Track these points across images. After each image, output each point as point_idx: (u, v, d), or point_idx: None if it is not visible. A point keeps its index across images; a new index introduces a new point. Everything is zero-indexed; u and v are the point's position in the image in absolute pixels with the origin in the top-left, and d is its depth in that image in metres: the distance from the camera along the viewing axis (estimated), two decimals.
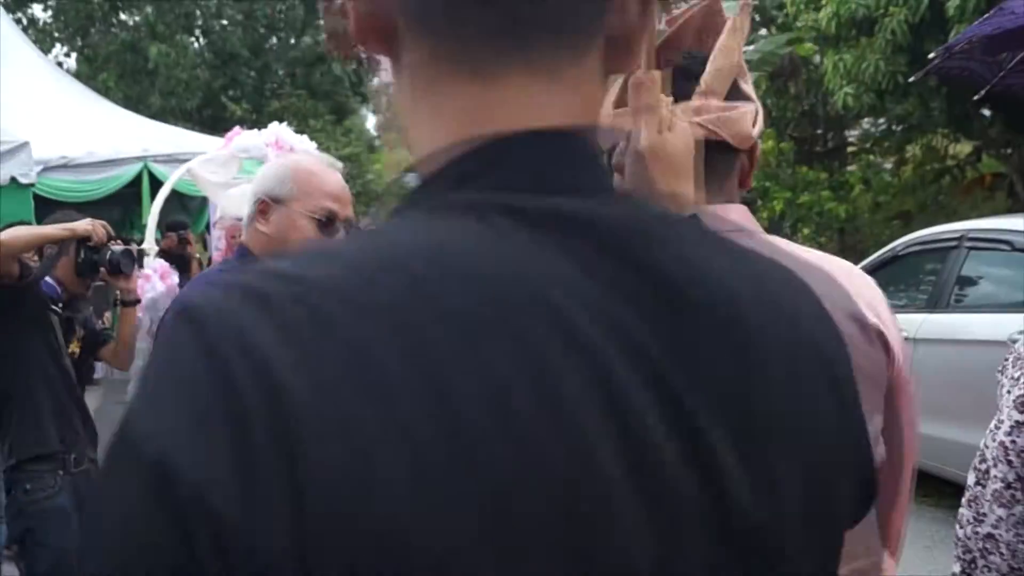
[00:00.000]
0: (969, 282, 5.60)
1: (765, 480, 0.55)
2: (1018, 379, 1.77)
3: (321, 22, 20.89)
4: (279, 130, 9.53)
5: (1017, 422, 1.73)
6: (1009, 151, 11.19)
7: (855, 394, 0.64)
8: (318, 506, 0.43)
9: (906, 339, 5.41)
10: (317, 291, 0.47)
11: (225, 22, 19.46)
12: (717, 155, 1.29)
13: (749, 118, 1.33)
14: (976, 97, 4.03)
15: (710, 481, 0.52)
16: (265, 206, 2.17)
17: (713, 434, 0.53)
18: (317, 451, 0.43)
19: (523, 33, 0.56)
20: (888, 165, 13.04)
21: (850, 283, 1.27)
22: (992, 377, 4.98)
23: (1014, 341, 4.81)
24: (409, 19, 0.57)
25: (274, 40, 21.35)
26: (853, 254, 10.76)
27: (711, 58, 1.31)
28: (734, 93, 1.34)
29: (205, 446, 0.43)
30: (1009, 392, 1.78)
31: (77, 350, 3.51)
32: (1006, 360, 1.82)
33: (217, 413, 0.44)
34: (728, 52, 1.31)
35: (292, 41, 21.35)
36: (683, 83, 1.29)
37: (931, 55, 5.55)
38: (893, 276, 6.46)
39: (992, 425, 1.79)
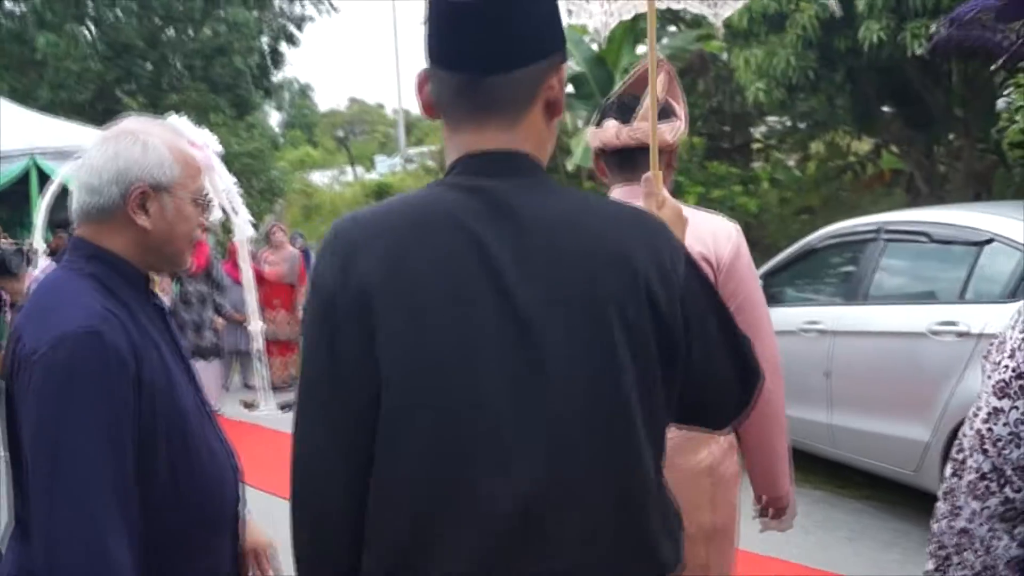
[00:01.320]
0: (886, 274, 5.59)
1: (555, 313, 1.31)
2: (999, 363, 1.65)
3: (222, 13, 20.27)
4: (177, 122, 9.11)
5: (995, 408, 1.61)
6: (908, 148, 11.43)
7: (645, 274, 1.33)
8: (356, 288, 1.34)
9: (823, 332, 5.34)
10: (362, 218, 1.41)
11: (119, 12, 18.69)
12: (646, 154, 2.15)
13: (668, 132, 2.34)
14: (993, 67, 4.11)
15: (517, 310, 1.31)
16: (144, 196, 1.75)
17: (523, 286, 1.30)
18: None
19: (478, 115, 1.39)
20: (792, 162, 13.21)
21: (708, 229, 2.28)
22: (909, 369, 4.96)
23: (935, 333, 4.83)
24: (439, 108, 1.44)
25: (171, 31, 20.68)
26: (759, 248, 10.83)
27: (642, 98, 2.28)
28: (665, 114, 2.35)
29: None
30: (989, 378, 1.66)
31: None
32: (990, 346, 1.70)
33: None
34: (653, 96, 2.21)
35: (190, 32, 20.73)
36: (627, 113, 2.34)
37: (932, 27, 5.43)
38: (809, 269, 6.44)
39: (971, 412, 1.66)
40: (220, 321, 9.85)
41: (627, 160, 2.33)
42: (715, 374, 1.45)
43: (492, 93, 1.37)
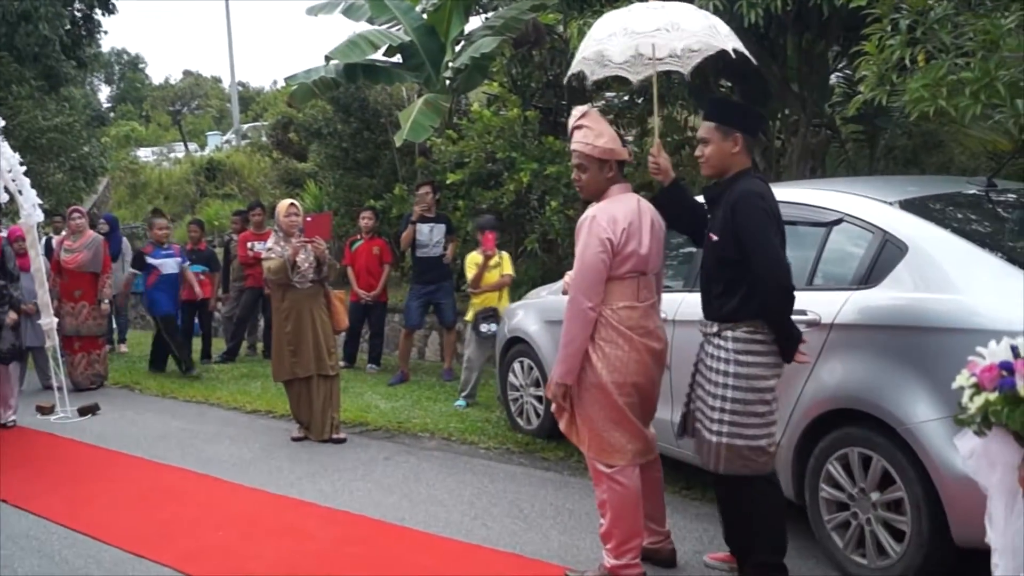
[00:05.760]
0: None
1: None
2: None
3: None
4: None
5: None
6: None
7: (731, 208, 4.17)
8: None
9: (663, 321, 4.83)
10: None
11: None
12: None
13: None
14: None
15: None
16: None
17: (720, 224, 4.13)
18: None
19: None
20: (630, 137, 12.91)
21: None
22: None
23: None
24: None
25: None
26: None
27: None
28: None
29: None
30: None
31: None
32: None
33: None
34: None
35: None
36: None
37: None
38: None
39: None
40: (13, 316, 8.64)
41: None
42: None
43: None
